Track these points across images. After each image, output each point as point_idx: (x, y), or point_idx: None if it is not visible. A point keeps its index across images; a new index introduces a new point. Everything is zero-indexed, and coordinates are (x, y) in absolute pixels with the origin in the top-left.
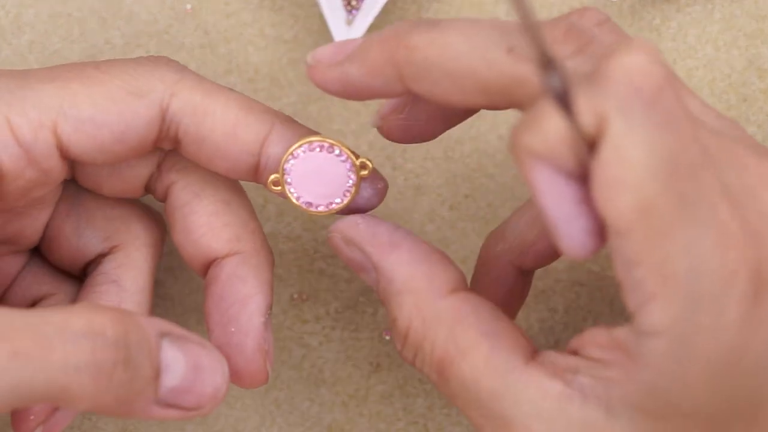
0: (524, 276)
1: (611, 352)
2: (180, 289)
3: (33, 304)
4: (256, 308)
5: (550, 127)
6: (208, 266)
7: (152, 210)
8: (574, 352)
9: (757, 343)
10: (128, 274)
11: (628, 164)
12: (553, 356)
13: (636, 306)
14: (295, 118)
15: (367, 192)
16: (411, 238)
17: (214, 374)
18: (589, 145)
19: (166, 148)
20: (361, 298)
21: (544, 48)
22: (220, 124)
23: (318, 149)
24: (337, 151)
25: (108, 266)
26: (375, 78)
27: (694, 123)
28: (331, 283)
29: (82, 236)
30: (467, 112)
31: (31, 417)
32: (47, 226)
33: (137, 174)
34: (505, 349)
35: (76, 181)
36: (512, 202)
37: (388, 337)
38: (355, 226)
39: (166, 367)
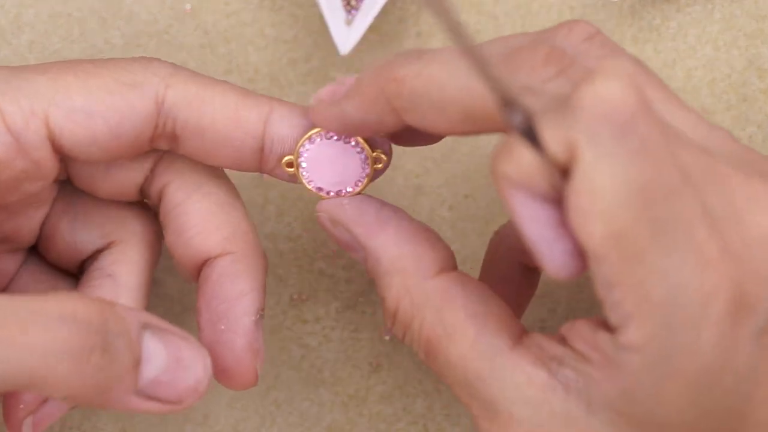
0: (531, 273)
1: (594, 352)
2: (179, 288)
3: None
4: (246, 307)
5: (522, 156)
6: (199, 268)
7: (150, 207)
8: (563, 339)
9: (736, 363)
10: (124, 269)
11: (599, 193)
12: (540, 340)
13: (615, 323)
14: None
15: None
16: (398, 217)
17: (195, 367)
18: (563, 171)
19: (163, 147)
20: (361, 298)
21: (503, 89)
22: (220, 111)
23: (335, 138)
24: (353, 142)
25: (104, 261)
26: (369, 113)
27: (673, 145)
28: (330, 283)
29: (79, 233)
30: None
31: (21, 406)
32: (43, 225)
33: (131, 177)
34: (492, 331)
35: (72, 182)
36: None
37: (387, 338)
38: (341, 207)
39: (146, 358)
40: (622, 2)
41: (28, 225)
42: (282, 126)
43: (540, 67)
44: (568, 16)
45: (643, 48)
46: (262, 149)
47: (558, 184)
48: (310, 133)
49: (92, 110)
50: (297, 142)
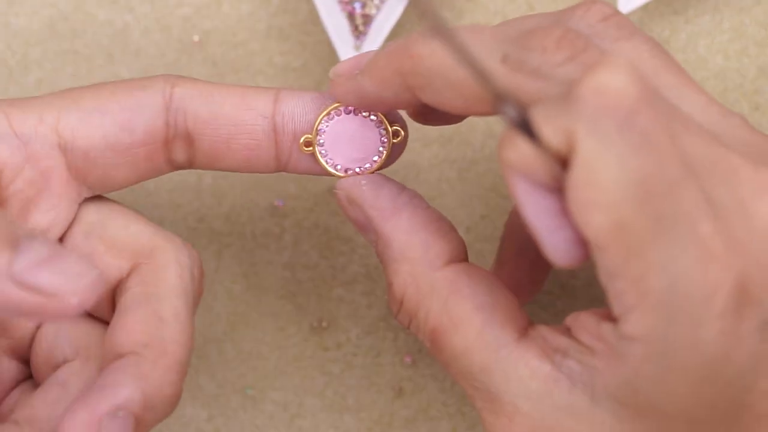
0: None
1: (598, 342)
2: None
3: None
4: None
5: (523, 145)
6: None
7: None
8: (568, 330)
9: (739, 355)
10: (78, 381)
11: (599, 185)
12: (545, 332)
13: (617, 313)
14: None
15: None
16: (414, 204)
17: (78, 265)
18: (563, 162)
19: (180, 158)
20: (382, 323)
21: (494, 85)
22: (229, 98)
23: (353, 112)
24: (372, 116)
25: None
26: (386, 89)
27: (679, 135)
28: (350, 309)
29: (59, 343)
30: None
31: None
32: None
33: (107, 269)
34: (497, 323)
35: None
36: None
37: (409, 360)
38: (359, 187)
39: (27, 246)
40: (630, 15)
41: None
42: (291, 102)
43: (552, 50)
44: None
45: None
46: (274, 130)
47: (558, 174)
48: (328, 109)
49: (103, 109)
50: (309, 122)
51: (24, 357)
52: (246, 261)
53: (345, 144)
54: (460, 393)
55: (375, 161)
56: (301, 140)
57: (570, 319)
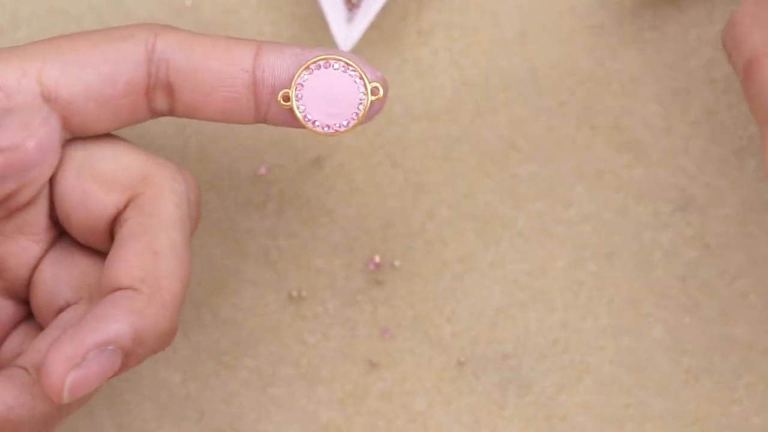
0: None
1: None
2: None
3: None
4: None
5: None
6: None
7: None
8: None
9: None
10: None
11: None
12: None
13: None
14: None
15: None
16: None
17: (24, 116)
18: None
19: (161, 107)
20: (360, 296)
21: None
22: (211, 49)
23: (334, 66)
24: (352, 72)
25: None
26: None
27: None
28: (329, 280)
29: (60, 284)
30: None
31: (65, 357)
32: (33, 272)
33: (103, 208)
34: None
35: (55, 211)
36: (512, 201)
37: (388, 335)
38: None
39: None
40: (621, 2)
41: (18, 259)
42: (272, 55)
43: None
44: (569, 15)
45: (645, 48)
46: (254, 83)
47: None
48: (307, 63)
49: (84, 61)
50: (290, 76)
51: (21, 297)
52: (228, 227)
53: (323, 99)
54: (437, 368)
55: (353, 118)
56: (279, 95)
57: None
